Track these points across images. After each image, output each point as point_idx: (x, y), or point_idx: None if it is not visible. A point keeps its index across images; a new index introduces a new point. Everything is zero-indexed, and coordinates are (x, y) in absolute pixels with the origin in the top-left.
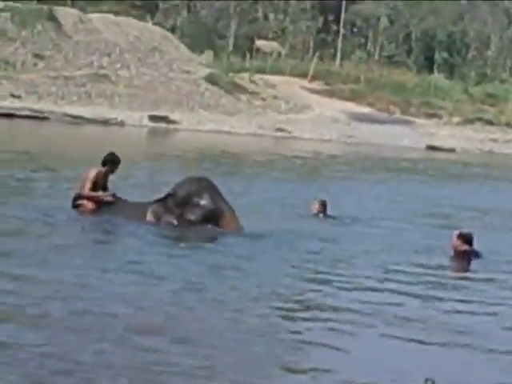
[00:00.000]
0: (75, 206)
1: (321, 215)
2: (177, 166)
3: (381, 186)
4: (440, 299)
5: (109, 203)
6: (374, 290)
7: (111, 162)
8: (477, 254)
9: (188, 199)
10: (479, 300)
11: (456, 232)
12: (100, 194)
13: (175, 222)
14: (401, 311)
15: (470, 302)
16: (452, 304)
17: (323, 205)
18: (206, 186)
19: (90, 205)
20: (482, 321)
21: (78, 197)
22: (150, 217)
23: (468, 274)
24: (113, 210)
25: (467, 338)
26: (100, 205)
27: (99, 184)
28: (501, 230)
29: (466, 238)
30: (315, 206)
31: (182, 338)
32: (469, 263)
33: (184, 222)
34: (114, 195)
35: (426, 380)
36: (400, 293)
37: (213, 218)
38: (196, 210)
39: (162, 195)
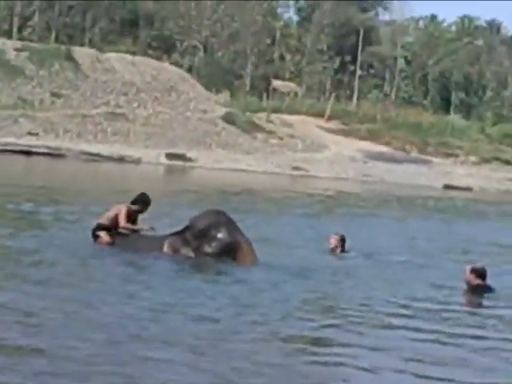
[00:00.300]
0: (94, 236)
1: (338, 250)
2: (194, 202)
3: (397, 223)
4: (452, 335)
5: (124, 237)
6: (387, 326)
7: (143, 202)
8: (490, 289)
9: (205, 232)
10: (491, 336)
11: (469, 266)
12: (138, 227)
13: (192, 255)
14: (413, 347)
15: (483, 338)
16: (464, 340)
17: (342, 240)
18: (224, 219)
19: (106, 238)
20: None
21: (99, 227)
22: (166, 249)
23: (481, 310)
24: (128, 243)
25: (479, 373)
26: (115, 238)
27: (129, 221)
28: None
29: (479, 273)
30: (333, 241)
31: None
32: (482, 298)
33: (201, 254)
34: (152, 228)
35: None
36: (412, 328)
37: (230, 250)
38: (213, 243)
39: (178, 229)
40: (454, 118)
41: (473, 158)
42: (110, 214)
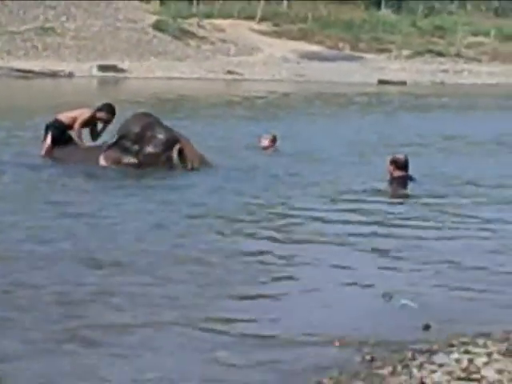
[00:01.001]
0: (45, 133)
1: (271, 149)
2: (130, 111)
3: (331, 121)
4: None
5: (62, 148)
6: (318, 219)
7: (109, 110)
8: (411, 179)
9: (142, 134)
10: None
11: (389, 157)
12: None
13: (135, 160)
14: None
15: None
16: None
17: (273, 140)
18: (154, 119)
19: (49, 145)
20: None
21: (54, 125)
22: (104, 161)
23: (402, 200)
24: (65, 153)
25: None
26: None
27: (85, 127)
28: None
29: (400, 163)
30: (265, 141)
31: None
32: (404, 188)
33: (144, 156)
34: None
35: (384, 294)
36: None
37: (172, 145)
38: (154, 142)
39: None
40: (386, 12)
41: (405, 52)
42: (72, 114)
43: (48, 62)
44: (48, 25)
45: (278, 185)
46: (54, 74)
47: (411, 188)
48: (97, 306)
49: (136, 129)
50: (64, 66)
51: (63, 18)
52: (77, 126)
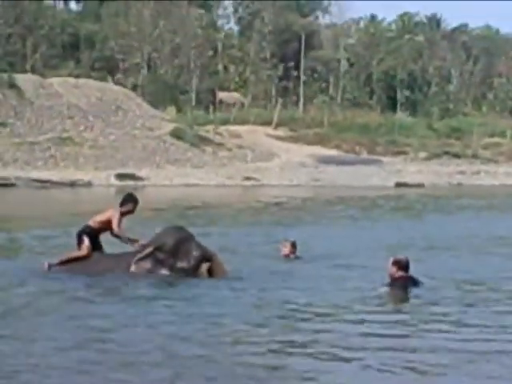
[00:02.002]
0: (79, 239)
1: (292, 256)
2: (150, 219)
3: (349, 225)
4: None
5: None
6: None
7: (133, 201)
8: (413, 281)
9: (176, 248)
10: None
11: (391, 258)
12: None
13: (167, 273)
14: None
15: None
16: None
17: (293, 246)
18: (187, 233)
19: (88, 246)
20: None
21: (85, 231)
22: (136, 269)
23: (403, 304)
24: (95, 261)
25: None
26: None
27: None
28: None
29: (401, 264)
30: (285, 249)
31: None
32: (405, 290)
33: (178, 271)
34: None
35: None
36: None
37: (203, 262)
38: (188, 258)
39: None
40: (401, 116)
41: (422, 154)
42: (102, 217)
43: (66, 172)
44: (66, 134)
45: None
46: (72, 184)
47: (413, 290)
48: None
49: (171, 242)
50: (82, 175)
51: (81, 128)
52: (116, 228)
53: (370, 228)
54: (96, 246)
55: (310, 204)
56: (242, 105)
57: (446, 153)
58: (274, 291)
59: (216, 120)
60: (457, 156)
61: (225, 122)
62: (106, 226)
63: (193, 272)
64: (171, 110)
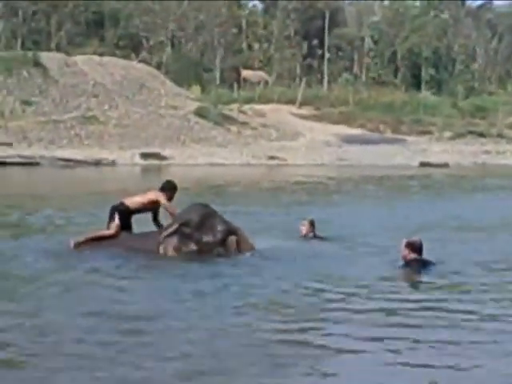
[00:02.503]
0: (112, 215)
1: (310, 235)
2: (176, 198)
3: (373, 205)
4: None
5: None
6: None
7: (173, 188)
8: (425, 263)
9: (202, 224)
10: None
11: (404, 240)
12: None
13: (195, 248)
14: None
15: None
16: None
17: (311, 225)
18: (211, 209)
19: (118, 225)
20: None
21: (120, 208)
22: (166, 250)
23: (415, 284)
24: (124, 240)
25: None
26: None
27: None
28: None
29: (414, 247)
30: (304, 228)
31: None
32: (418, 272)
33: (204, 245)
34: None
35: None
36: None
37: (228, 237)
38: (215, 232)
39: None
40: (426, 94)
41: (447, 134)
42: (142, 198)
43: (91, 151)
44: (90, 113)
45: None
46: (96, 163)
47: (425, 272)
48: None
49: (196, 218)
50: (107, 154)
51: (105, 107)
52: (168, 205)
53: (394, 207)
54: (127, 225)
55: (333, 183)
56: (267, 83)
57: (471, 132)
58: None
59: (240, 98)
60: (482, 135)
61: (249, 101)
62: (146, 206)
63: (219, 245)
64: (195, 89)
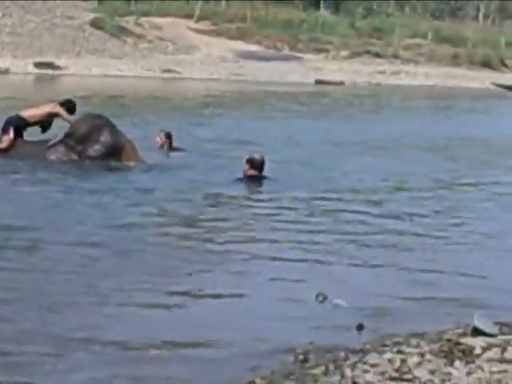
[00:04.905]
0: (4, 128)
1: (166, 146)
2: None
3: (257, 121)
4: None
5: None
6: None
7: (72, 107)
8: (263, 179)
9: (87, 136)
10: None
11: (246, 157)
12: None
13: (76, 159)
14: None
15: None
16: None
17: (168, 137)
18: (104, 121)
19: (8, 142)
20: None
21: (15, 121)
22: (50, 156)
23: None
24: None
25: None
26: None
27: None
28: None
29: (254, 163)
30: (159, 139)
31: None
32: (248, 187)
33: (85, 158)
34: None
35: (317, 295)
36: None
37: (114, 152)
38: (96, 146)
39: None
40: (324, 13)
41: (343, 53)
42: (40, 111)
43: None
44: None
45: None
46: None
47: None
48: None
49: (82, 130)
50: (0, 62)
51: None
52: (65, 115)
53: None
54: (21, 136)
55: (226, 98)
56: None
57: (367, 52)
58: None
59: (137, 11)
60: (378, 55)
61: (146, 14)
62: (43, 119)
63: (101, 158)
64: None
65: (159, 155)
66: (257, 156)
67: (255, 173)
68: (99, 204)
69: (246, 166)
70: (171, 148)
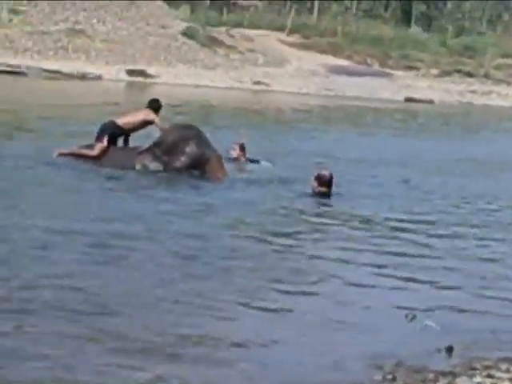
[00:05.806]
0: (100, 134)
1: (242, 159)
2: (162, 117)
3: (346, 135)
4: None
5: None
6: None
7: (158, 107)
8: (333, 196)
9: (174, 146)
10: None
11: (315, 173)
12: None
13: (161, 169)
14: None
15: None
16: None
17: (242, 148)
18: (193, 133)
19: (102, 148)
20: None
21: (110, 128)
22: (138, 166)
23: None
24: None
25: None
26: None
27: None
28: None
29: (323, 180)
30: (234, 152)
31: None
32: (319, 203)
33: (170, 169)
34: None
35: (407, 315)
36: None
37: (199, 164)
38: (182, 157)
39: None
40: (415, 30)
41: (434, 71)
42: (134, 118)
43: (77, 64)
44: (78, 27)
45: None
46: (82, 76)
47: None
48: None
49: (170, 140)
50: (93, 69)
51: (94, 21)
52: (159, 122)
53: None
54: (113, 144)
55: (314, 113)
56: (257, 8)
57: (458, 71)
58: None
59: (229, 22)
60: (469, 75)
61: (238, 25)
62: (137, 127)
63: (186, 169)
64: (185, 9)
65: (235, 167)
66: (325, 173)
67: (324, 189)
68: (174, 212)
69: (315, 184)
70: (246, 159)
